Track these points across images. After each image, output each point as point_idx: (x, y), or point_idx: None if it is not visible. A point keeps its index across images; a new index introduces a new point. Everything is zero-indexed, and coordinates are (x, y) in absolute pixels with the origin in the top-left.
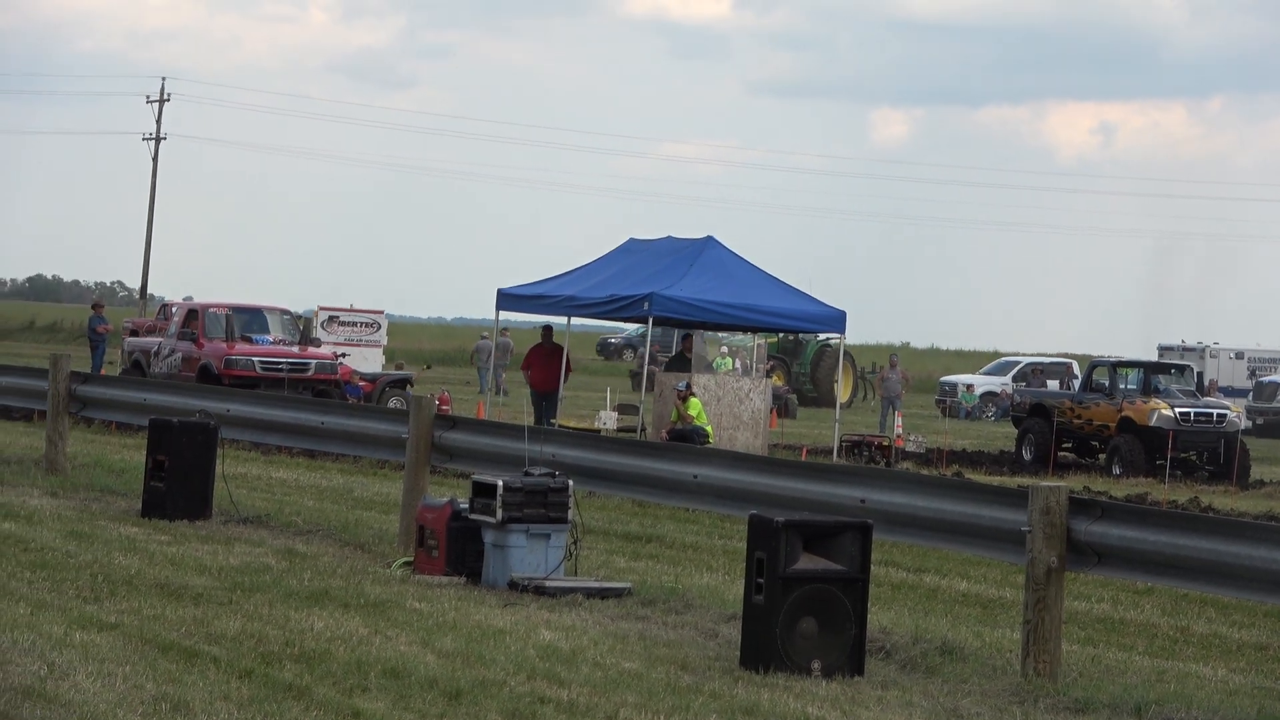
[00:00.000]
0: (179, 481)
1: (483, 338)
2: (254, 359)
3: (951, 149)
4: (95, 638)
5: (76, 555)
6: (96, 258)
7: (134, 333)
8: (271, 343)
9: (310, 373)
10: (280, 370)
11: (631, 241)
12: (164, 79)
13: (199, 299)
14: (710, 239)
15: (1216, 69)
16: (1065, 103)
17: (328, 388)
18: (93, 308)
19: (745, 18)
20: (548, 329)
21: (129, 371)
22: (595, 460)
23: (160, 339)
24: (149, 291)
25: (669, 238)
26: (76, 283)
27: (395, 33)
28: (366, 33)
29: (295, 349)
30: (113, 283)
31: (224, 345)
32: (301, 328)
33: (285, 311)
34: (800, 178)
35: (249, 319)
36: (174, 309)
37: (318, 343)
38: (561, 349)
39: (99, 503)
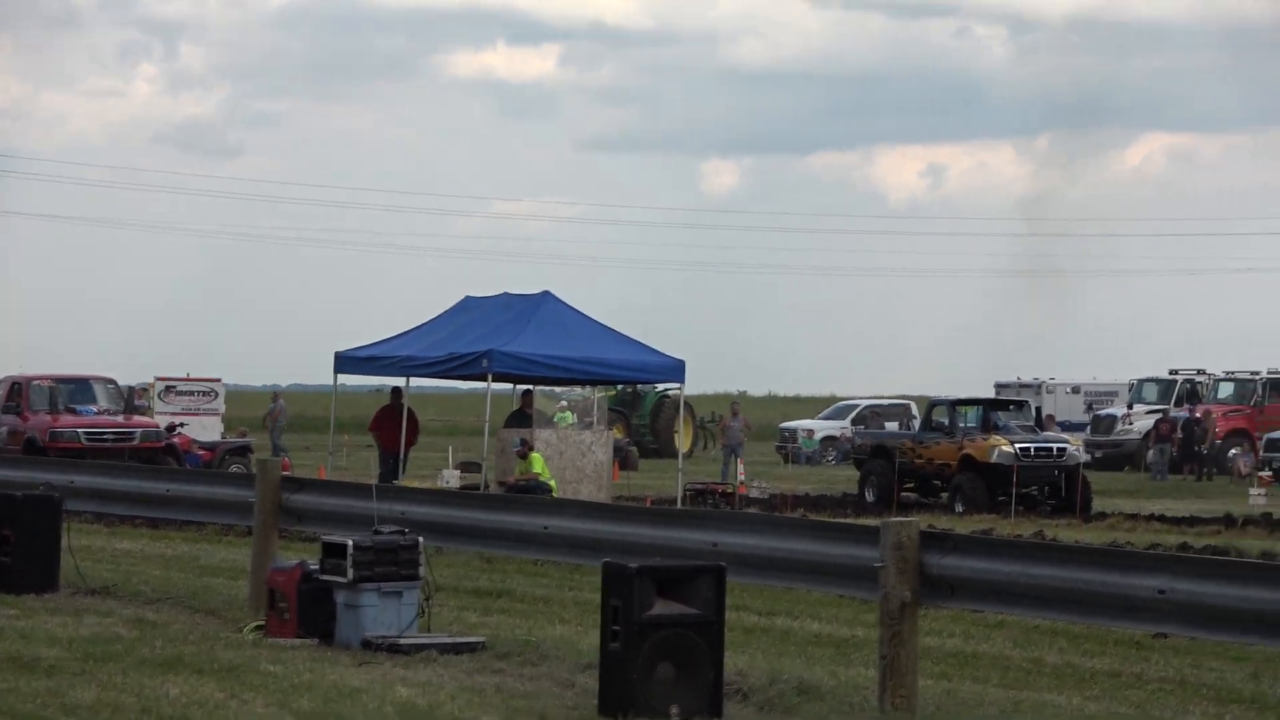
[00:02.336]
0: (24, 555)
1: (276, 400)
2: (78, 430)
3: (782, 196)
4: None
5: None
6: None
7: None
8: (96, 413)
9: (136, 441)
10: (105, 440)
11: (468, 299)
12: None
13: (28, 374)
14: (546, 294)
15: (1044, 109)
16: (894, 146)
17: (155, 455)
18: None
19: (571, 75)
20: (397, 390)
21: None
22: (445, 515)
23: None
24: None
25: (505, 294)
26: None
27: (221, 103)
28: (192, 104)
29: (120, 418)
30: None
31: (48, 417)
32: (126, 396)
33: (110, 381)
34: (632, 230)
35: (74, 390)
36: None
37: (144, 411)
38: (408, 409)
39: None
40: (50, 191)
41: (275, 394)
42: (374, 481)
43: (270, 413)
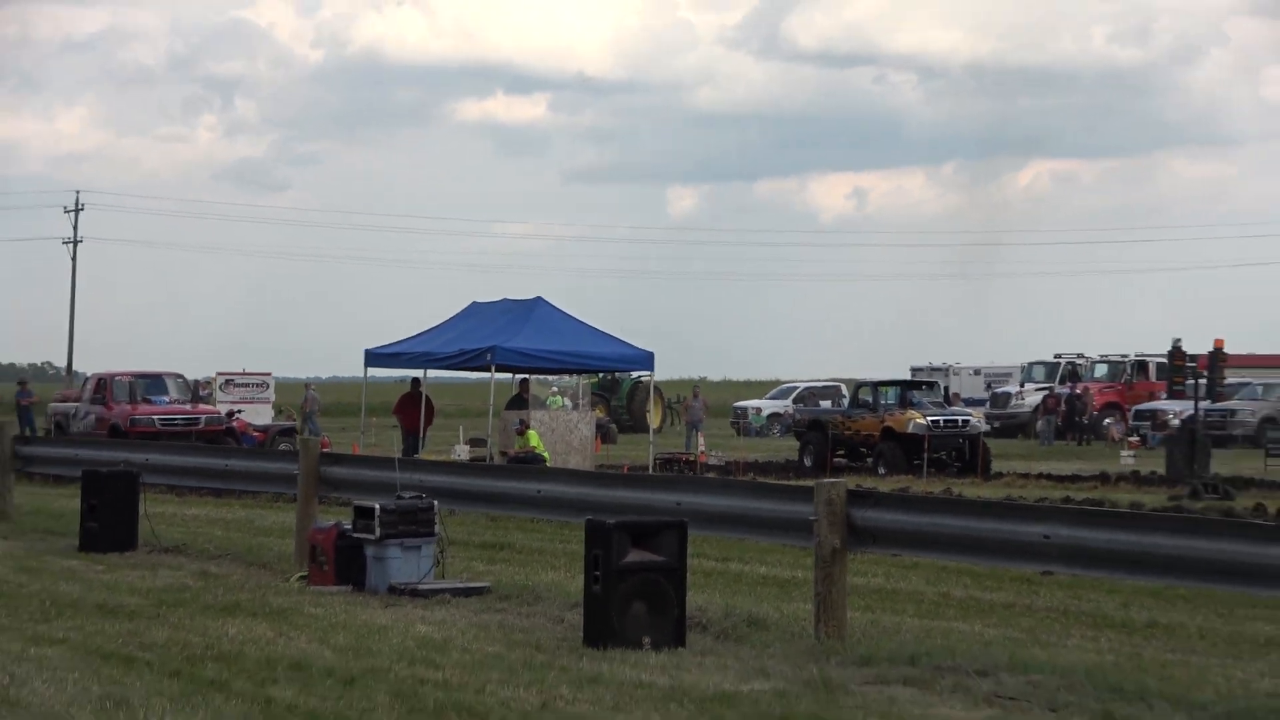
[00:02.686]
0: (109, 520)
1: (308, 390)
2: (154, 417)
3: (734, 216)
4: (47, 651)
5: (27, 585)
6: (28, 343)
7: (64, 402)
8: (168, 402)
9: (201, 425)
10: (176, 425)
11: (474, 305)
12: (78, 192)
13: (111, 370)
14: (540, 299)
15: (948, 141)
16: (826, 174)
17: (217, 436)
18: (18, 384)
19: (559, 118)
20: (416, 380)
21: (51, 433)
22: (455, 483)
23: (77, 404)
24: (73, 368)
25: (505, 300)
26: (12, 365)
27: (269, 145)
28: (246, 147)
29: (188, 406)
30: (43, 363)
31: (129, 407)
32: (193, 388)
33: (179, 376)
34: (611, 246)
35: (149, 384)
36: (87, 379)
37: (207, 400)
38: (425, 396)
39: (43, 542)
40: (126, 221)
41: (307, 385)
42: (397, 456)
43: (304, 401)
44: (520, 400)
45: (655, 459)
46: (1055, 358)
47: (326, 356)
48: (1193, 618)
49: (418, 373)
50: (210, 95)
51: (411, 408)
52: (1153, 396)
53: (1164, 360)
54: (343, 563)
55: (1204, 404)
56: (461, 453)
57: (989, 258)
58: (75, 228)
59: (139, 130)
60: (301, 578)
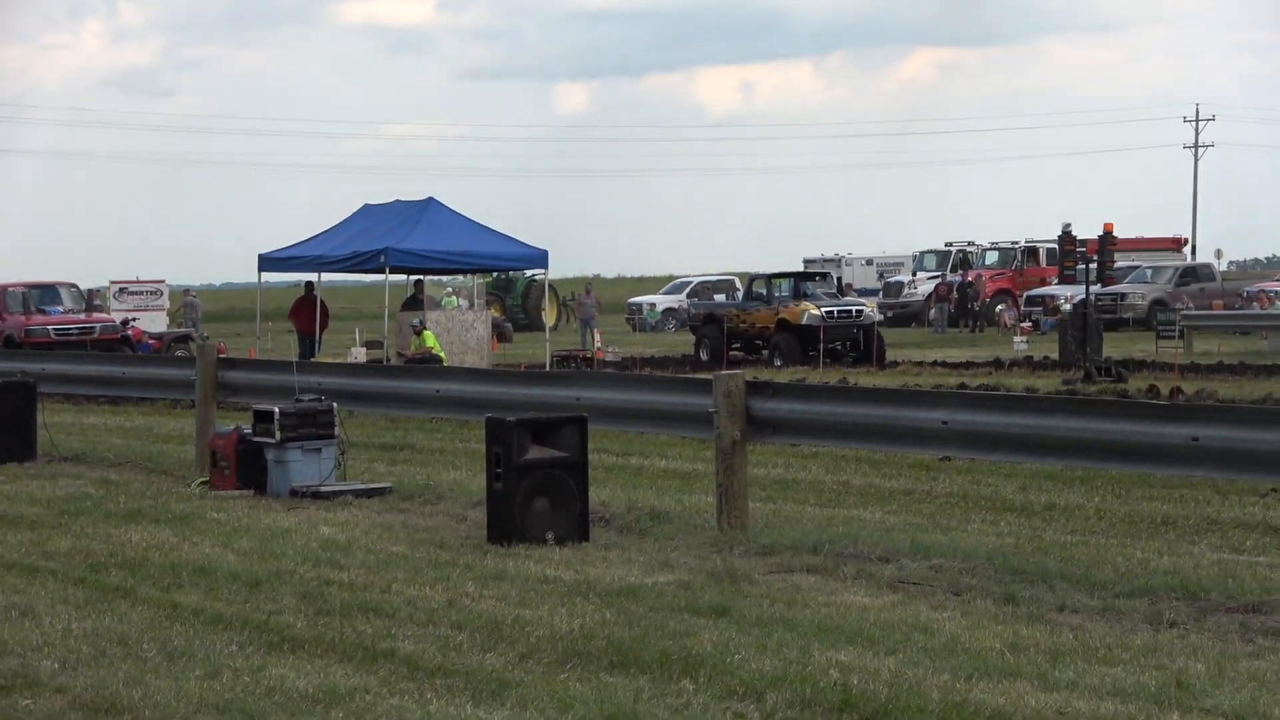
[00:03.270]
0: (7, 431)
1: (187, 295)
2: (49, 327)
3: (622, 112)
4: None
5: None
6: None
7: None
8: (63, 312)
9: (96, 334)
10: (71, 334)
11: (366, 207)
12: None
13: (2, 281)
14: (432, 200)
15: (835, 32)
16: (713, 68)
17: (113, 345)
18: None
19: (446, 17)
20: (309, 284)
21: None
22: (353, 385)
23: None
24: None
25: (397, 201)
26: None
27: (155, 51)
28: (132, 53)
29: (83, 316)
30: None
31: (23, 318)
32: (87, 298)
33: (72, 285)
34: (501, 145)
35: (42, 294)
36: None
37: (102, 309)
38: (320, 300)
39: None
40: (19, 131)
41: (185, 290)
42: (294, 360)
43: (182, 306)
44: (415, 301)
45: (552, 356)
46: (946, 246)
47: (219, 262)
48: (1090, 499)
49: (312, 276)
50: (94, 0)
51: (306, 311)
52: (1044, 282)
53: (1054, 246)
54: (244, 467)
55: (1094, 288)
56: (358, 355)
57: (876, 148)
58: None
59: (24, 38)
60: (203, 483)
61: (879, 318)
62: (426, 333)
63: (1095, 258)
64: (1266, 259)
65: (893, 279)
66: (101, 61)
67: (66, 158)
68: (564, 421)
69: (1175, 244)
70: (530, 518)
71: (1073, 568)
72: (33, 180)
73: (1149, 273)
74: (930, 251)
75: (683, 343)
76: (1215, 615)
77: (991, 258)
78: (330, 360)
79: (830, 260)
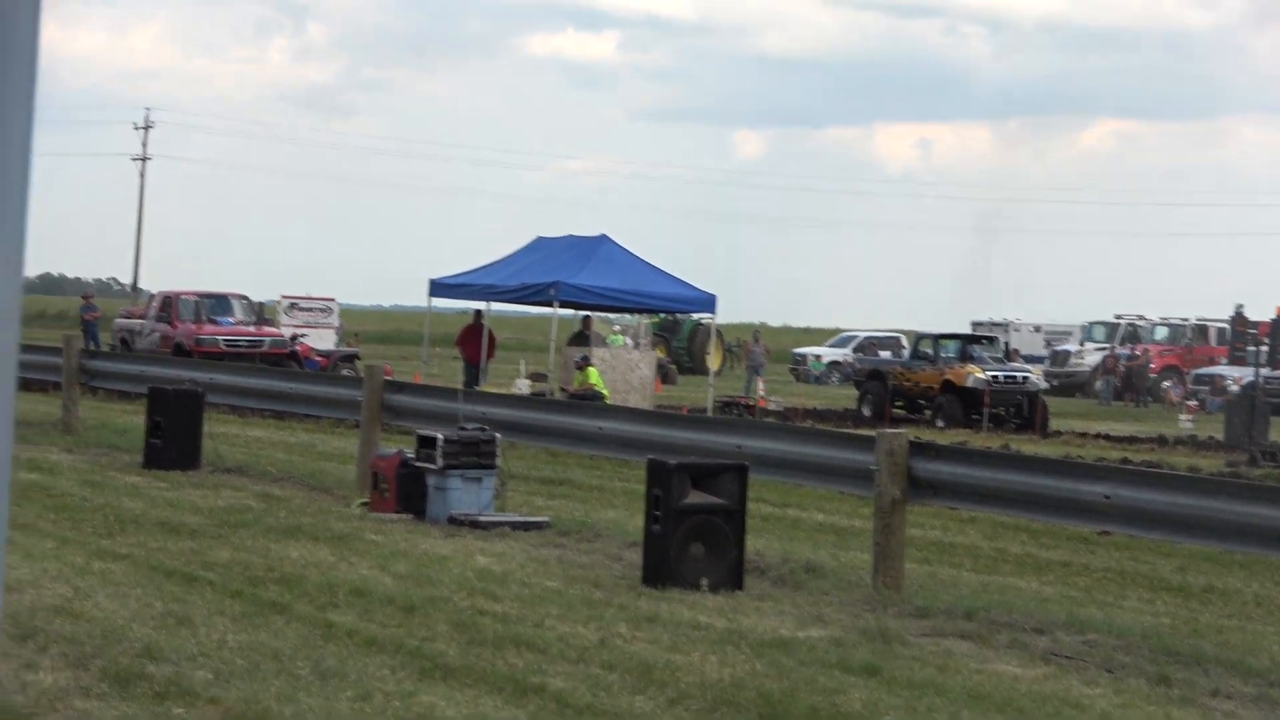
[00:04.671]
0: (173, 438)
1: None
2: (218, 337)
3: (799, 162)
4: (111, 566)
5: (91, 500)
6: (96, 258)
7: (129, 318)
8: (233, 323)
9: (265, 347)
10: (240, 346)
11: (539, 239)
12: (148, 109)
13: (175, 289)
14: (604, 236)
15: (1015, 96)
16: (892, 124)
17: (282, 360)
18: (83, 299)
19: (628, 57)
20: (478, 312)
21: (116, 349)
22: (517, 416)
23: (142, 321)
24: (139, 285)
25: (570, 236)
26: (79, 279)
27: (339, 71)
28: (315, 71)
29: (253, 328)
30: (109, 278)
31: (194, 326)
32: (258, 310)
33: (244, 297)
34: (676, 186)
35: (214, 304)
36: (153, 296)
37: (272, 323)
38: (487, 329)
39: (107, 457)
40: (196, 140)
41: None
42: (460, 388)
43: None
44: (582, 337)
45: (715, 402)
46: (1116, 318)
47: (391, 284)
48: (1249, 584)
49: (481, 305)
50: (282, 18)
51: (474, 340)
52: (1213, 361)
53: (1225, 325)
54: (404, 491)
55: (1264, 371)
56: (522, 387)
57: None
58: (144, 145)
59: (211, 50)
60: (363, 504)
61: (1044, 386)
62: (591, 369)
63: (1267, 340)
64: None
65: (1060, 348)
66: (285, 78)
67: (245, 170)
68: (725, 468)
69: None
70: (686, 562)
71: (1228, 652)
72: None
73: None
74: (1099, 323)
75: (846, 397)
76: None
77: (1161, 333)
78: (494, 390)
79: (998, 324)
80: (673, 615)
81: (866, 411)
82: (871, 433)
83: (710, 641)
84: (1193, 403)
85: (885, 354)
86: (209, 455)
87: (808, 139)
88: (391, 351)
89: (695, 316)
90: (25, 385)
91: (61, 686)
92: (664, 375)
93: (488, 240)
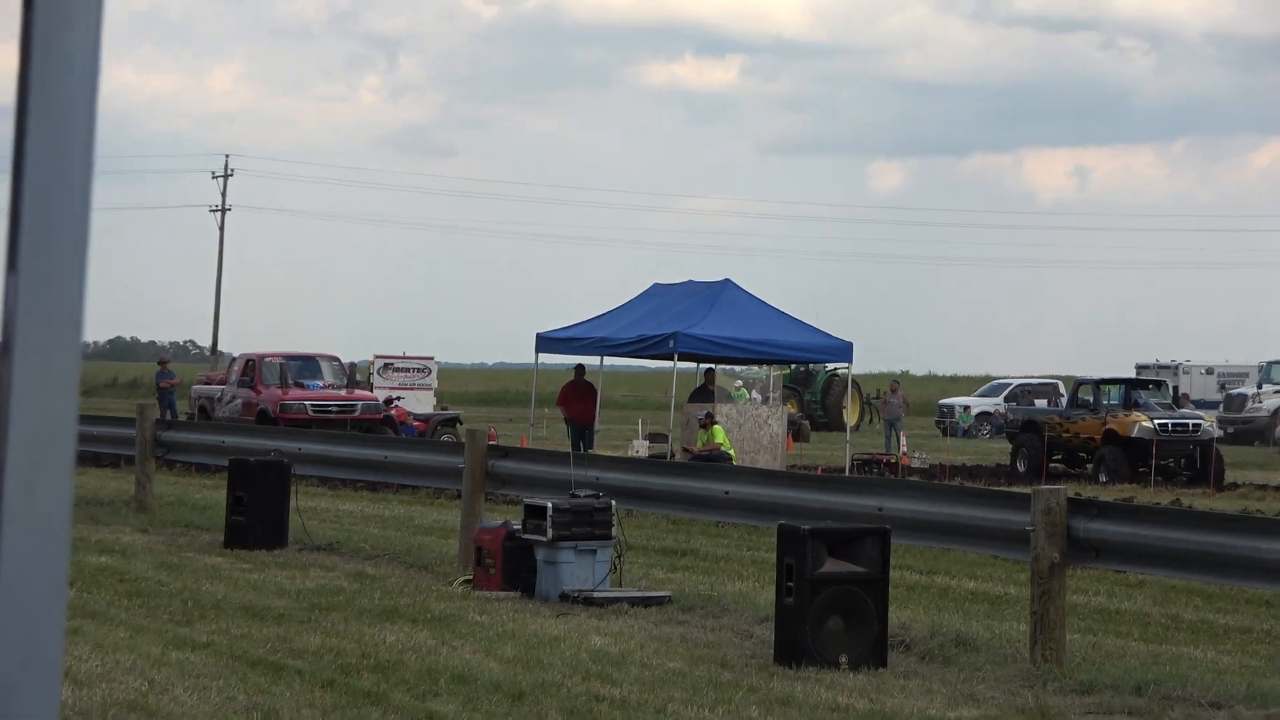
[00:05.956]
0: (257, 514)
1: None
2: (306, 402)
3: (942, 194)
4: (189, 656)
5: (168, 584)
6: (170, 319)
7: (208, 384)
8: (321, 387)
9: (357, 413)
10: (330, 412)
11: (656, 286)
12: (227, 156)
13: (259, 351)
14: (728, 281)
15: (1181, 116)
16: (1043, 149)
17: (374, 425)
18: (159, 364)
19: (753, 84)
20: (580, 368)
21: (194, 418)
22: (635, 481)
23: (222, 387)
24: (218, 348)
25: (690, 281)
26: (153, 343)
27: (436, 108)
28: (411, 109)
29: (343, 392)
30: (185, 341)
31: (279, 391)
32: (349, 372)
33: (334, 358)
34: (807, 224)
35: (301, 366)
36: (234, 359)
37: (364, 385)
38: (593, 386)
39: (185, 536)
40: (279, 188)
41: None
42: (570, 451)
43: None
44: (705, 392)
45: (852, 460)
46: None
47: (495, 340)
48: None
49: (594, 359)
50: (373, 53)
51: (578, 398)
52: None
53: None
54: (511, 566)
55: None
56: (640, 448)
57: (1225, 245)
58: (223, 194)
59: (295, 89)
60: (466, 581)
61: (1218, 434)
62: (716, 427)
63: None
64: None
65: (1235, 391)
66: (377, 117)
67: (333, 219)
68: (864, 533)
69: None
70: (823, 638)
71: None
72: (294, 242)
73: None
74: (1278, 363)
75: (998, 451)
76: None
77: None
78: (609, 453)
79: (1166, 367)
80: (809, 697)
81: (1021, 467)
82: (1027, 490)
83: None
84: None
85: (1041, 403)
86: (296, 532)
87: (951, 169)
88: (496, 414)
89: (829, 366)
90: (96, 460)
91: None
92: (796, 432)
93: (602, 291)
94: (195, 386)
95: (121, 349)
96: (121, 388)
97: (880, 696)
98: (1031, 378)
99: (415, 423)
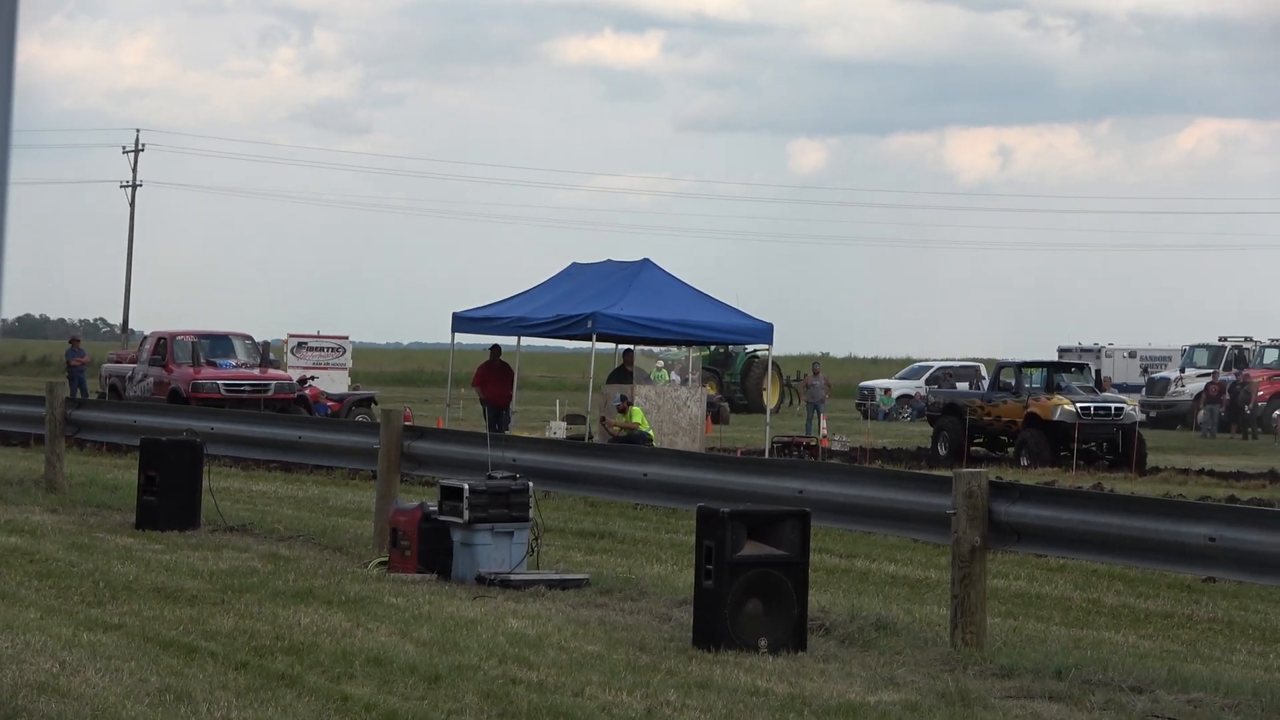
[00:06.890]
0: (169, 495)
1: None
2: (219, 382)
3: (863, 174)
4: (101, 638)
5: (79, 565)
6: (80, 297)
7: (118, 363)
8: (234, 366)
9: (270, 392)
10: (243, 391)
11: (574, 266)
12: (138, 130)
13: (170, 329)
14: (646, 261)
15: (1106, 95)
16: (966, 129)
17: (288, 405)
18: (69, 342)
19: (673, 61)
20: (495, 348)
21: (105, 397)
22: (553, 463)
23: (133, 366)
24: (129, 326)
25: (608, 261)
26: (63, 320)
27: (351, 84)
28: (325, 84)
29: (256, 371)
30: (96, 319)
31: (191, 370)
32: (262, 351)
33: (247, 337)
34: (726, 204)
35: (214, 345)
36: (145, 338)
37: (277, 365)
38: (509, 366)
39: (96, 517)
40: (192, 164)
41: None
42: (487, 432)
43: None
44: (623, 373)
45: (772, 442)
46: (1220, 341)
47: (409, 319)
48: None
49: (510, 340)
50: (288, 26)
51: (494, 378)
52: None
53: None
54: (427, 548)
55: None
56: (558, 430)
57: (1148, 227)
58: (134, 170)
59: (207, 64)
60: (381, 563)
61: (1140, 417)
62: (635, 409)
63: None
64: None
65: (1158, 375)
66: (291, 93)
67: (247, 196)
68: (784, 516)
69: None
70: (742, 621)
71: None
72: (207, 219)
73: None
74: (1201, 346)
75: (919, 434)
76: None
77: (1270, 356)
78: (526, 434)
79: (1088, 350)
80: (727, 680)
81: (942, 450)
82: (948, 473)
83: (770, 708)
84: None
85: (962, 386)
86: (209, 513)
87: (872, 148)
88: (412, 394)
89: (749, 348)
90: (5, 439)
91: None
92: (715, 414)
93: (518, 269)
94: (106, 365)
95: (30, 326)
96: (30, 365)
97: (799, 680)
98: (953, 360)
99: (329, 403)
